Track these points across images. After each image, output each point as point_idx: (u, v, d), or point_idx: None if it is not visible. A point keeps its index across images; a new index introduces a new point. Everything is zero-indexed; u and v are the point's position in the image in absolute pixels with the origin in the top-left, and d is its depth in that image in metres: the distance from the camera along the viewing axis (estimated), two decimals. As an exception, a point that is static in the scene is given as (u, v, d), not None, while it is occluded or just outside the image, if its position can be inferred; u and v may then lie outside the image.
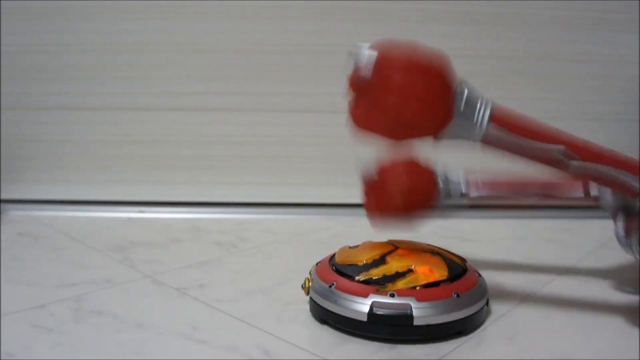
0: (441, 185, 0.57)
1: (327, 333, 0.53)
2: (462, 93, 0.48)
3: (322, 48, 0.94)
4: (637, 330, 0.54)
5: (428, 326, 0.51)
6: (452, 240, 0.82)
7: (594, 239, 0.85)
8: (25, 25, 0.92)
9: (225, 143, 0.97)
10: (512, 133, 0.49)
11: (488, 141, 0.49)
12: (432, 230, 0.89)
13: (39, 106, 0.95)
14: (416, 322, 0.50)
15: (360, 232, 0.89)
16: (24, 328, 0.52)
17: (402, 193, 0.57)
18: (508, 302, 0.60)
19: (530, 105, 0.96)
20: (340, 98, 0.95)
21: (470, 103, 0.48)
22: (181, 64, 0.94)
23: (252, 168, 0.97)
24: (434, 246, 0.60)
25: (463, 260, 0.59)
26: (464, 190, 0.58)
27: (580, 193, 0.58)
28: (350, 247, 0.60)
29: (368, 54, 0.47)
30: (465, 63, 0.94)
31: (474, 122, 0.48)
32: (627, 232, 0.56)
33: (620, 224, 0.56)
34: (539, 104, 0.97)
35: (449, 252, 0.59)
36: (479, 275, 0.57)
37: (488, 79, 0.95)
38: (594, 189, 0.58)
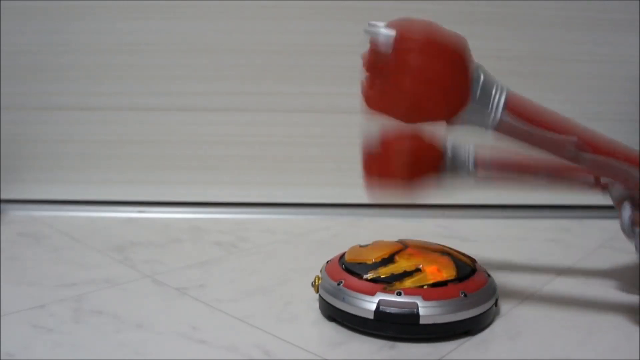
0: (449, 156, 0.55)
1: (327, 333, 0.53)
2: (479, 78, 0.47)
3: (322, 48, 0.94)
4: (637, 330, 0.54)
5: (434, 325, 0.51)
6: (453, 240, 0.82)
7: (594, 239, 0.85)
8: (25, 25, 0.92)
9: (225, 143, 0.97)
10: (526, 122, 0.48)
11: (501, 129, 0.48)
12: (432, 230, 0.89)
13: (39, 106, 0.95)
14: (422, 321, 0.50)
15: (361, 232, 0.90)
16: (24, 328, 0.52)
17: (406, 158, 0.54)
18: (508, 302, 0.60)
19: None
20: (340, 98, 0.95)
21: (486, 89, 0.47)
22: (181, 64, 0.94)
23: (252, 168, 0.97)
24: (444, 246, 0.60)
25: (473, 260, 0.59)
26: (471, 168, 0.56)
27: (590, 179, 0.57)
28: (360, 246, 0.60)
29: (386, 33, 0.45)
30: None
31: (489, 109, 0.47)
32: (633, 221, 0.56)
33: (627, 213, 0.56)
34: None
35: (459, 252, 0.59)
36: (489, 275, 0.57)
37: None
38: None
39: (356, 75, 0.95)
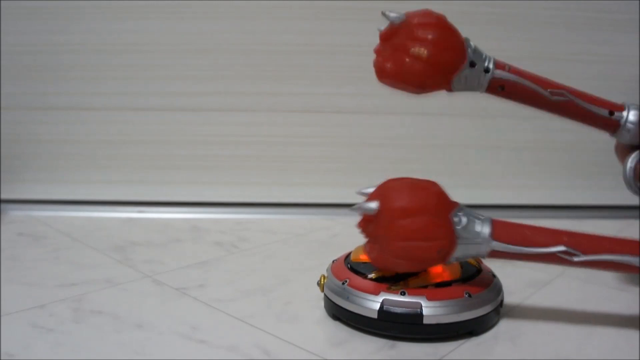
0: (469, 51, 0.54)
1: (326, 333, 0.53)
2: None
3: (322, 48, 0.94)
4: (637, 330, 0.54)
5: (438, 325, 0.51)
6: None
7: (594, 239, 0.85)
8: (25, 25, 0.92)
9: (225, 143, 0.97)
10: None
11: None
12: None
13: (39, 106, 0.95)
14: (426, 321, 0.50)
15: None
16: (24, 328, 0.52)
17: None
18: (508, 303, 0.60)
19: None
20: (340, 98, 0.95)
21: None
22: (181, 64, 0.94)
23: (252, 168, 0.97)
24: None
25: (479, 261, 0.59)
26: (490, 65, 0.56)
27: (605, 112, 0.58)
28: None
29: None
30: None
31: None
32: (637, 174, 0.57)
33: (631, 165, 0.57)
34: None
35: None
36: (494, 276, 0.57)
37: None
38: (618, 113, 0.58)
39: (356, 75, 0.95)
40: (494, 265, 0.59)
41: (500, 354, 0.50)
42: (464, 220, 0.51)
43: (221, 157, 0.97)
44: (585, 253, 0.51)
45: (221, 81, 0.95)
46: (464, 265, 0.56)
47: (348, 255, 0.59)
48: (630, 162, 0.58)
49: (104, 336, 0.51)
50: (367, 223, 0.52)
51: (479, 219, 0.52)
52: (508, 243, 0.51)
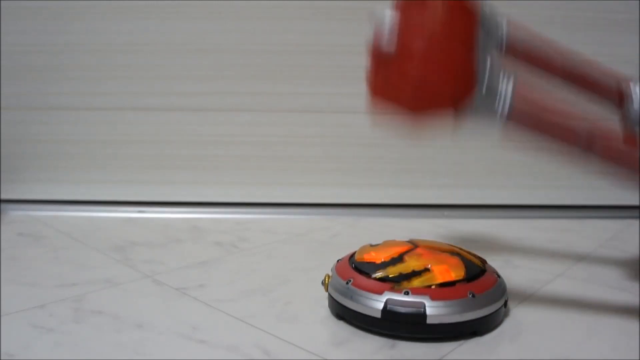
0: (484, 20, 0.47)
1: (326, 333, 0.53)
2: (485, 63, 0.45)
3: (322, 48, 0.94)
4: (637, 330, 0.54)
5: (441, 325, 0.51)
6: (453, 240, 0.82)
7: (594, 239, 0.85)
8: (25, 25, 0.92)
9: (225, 143, 0.97)
10: (536, 111, 0.47)
11: (512, 118, 0.46)
12: (432, 230, 0.89)
13: (39, 106, 0.95)
14: (429, 321, 0.50)
15: (360, 232, 0.90)
16: (24, 328, 0.52)
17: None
18: (508, 303, 0.60)
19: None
20: (340, 98, 0.95)
21: (493, 77, 0.45)
22: (181, 64, 0.94)
23: (252, 168, 0.97)
24: (454, 246, 0.60)
25: (483, 261, 0.59)
26: (505, 30, 0.51)
27: (612, 92, 0.56)
28: (371, 245, 0.61)
29: (389, 17, 0.45)
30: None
31: (497, 98, 0.45)
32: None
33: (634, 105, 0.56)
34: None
35: (469, 252, 0.59)
36: (498, 276, 0.57)
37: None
38: (625, 90, 0.56)
39: (356, 75, 0.95)
40: (497, 265, 0.59)
41: (500, 354, 0.50)
42: (489, 63, 0.44)
43: (221, 157, 0.97)
44: (607, 140, 0.46)
45: (221, 81, 0.95)
46: (468, 265, 0.55)
47: (352, 255, 0.59)
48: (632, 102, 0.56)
49: (104, 336, 0.51)
50: (381, 41, 0.45)
51: (504, 71, 0.45)
52: (530, 107, 0.46)
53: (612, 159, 0.49)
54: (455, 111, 0.45)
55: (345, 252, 0.61)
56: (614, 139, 0.49)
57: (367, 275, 0.54)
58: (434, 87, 0.44)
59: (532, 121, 0.47)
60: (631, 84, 0.56)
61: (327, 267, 0.60)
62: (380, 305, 0.51)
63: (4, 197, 0.96)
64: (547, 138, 0.47)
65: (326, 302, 0.58)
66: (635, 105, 0.56)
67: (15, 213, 0.93)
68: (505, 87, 0.45)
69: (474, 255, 0.59)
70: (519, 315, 0.57)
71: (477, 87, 0.44)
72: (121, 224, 0.89)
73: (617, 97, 0.57)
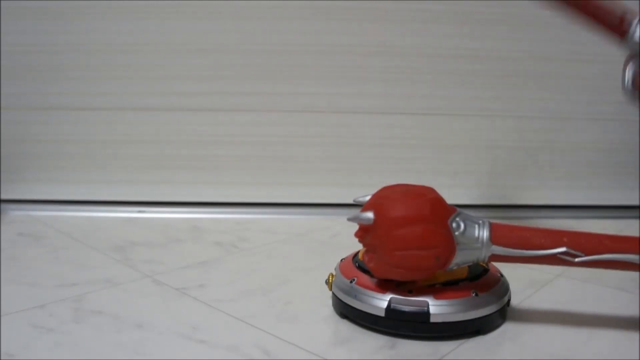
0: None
1: (327, 332, 0.53)
2: (459, 228, 0.51)
3: (322, 48, 0.94)
4: (637, 330, 0.54)
5: (445, 324, 0.51)
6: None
7: (594, 239, 0.85)
8: (25, 25, 0.92)
9: (225, 143, 0.97)
10: (513, 248, 0.51)
11: (493, 258, 0.52)
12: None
13: (39, 106, 0.95)
14: (433, 319, 0.51)
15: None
16: (24, 328, 0.52)
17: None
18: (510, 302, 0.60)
19: (530, 105, 0.97)
20: (340, 98, 0.95)
21: (469, 233, 0.51)
22: (181, 64, 0.94)
23: (252, 168, 0.97)
24: None
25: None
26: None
27: (615, 20, 0.56)
28: None
29: (366, 216, 0.52)
30: (465, 63, 0.95)
31: (477, 247, 0.52)
32: (635, 82, 0.55)
33: (631, 73, 0.55)
34: (539, 104, 0.97)
35: None
36: (501, 275, 0.57)
37: (488, 79, 0.95)
38: (629, 20, 0.55)
39: (356, 75, 0.95)
40: (497, 265, 0.59)
41: (500, 354, 0.50)
42: (462, 225, 0.51)
43: (221, 157, 0.97)
44: (586, 253, 0.51)
45: (221, 81, 0.95)
46: (471, 264, 0.55)
47: (356, 254, 0.60)
48: (629, 70, 0.56)
49: (104, 336, 0.51)
50: (365, 232, 0.53)
51: (477, 223, 0.52)
52: (508, 246, 0.51)
53: (597, 264, 0.52)
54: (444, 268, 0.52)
55: (345, 252, 0.61)
56: (591, 245, 0.52)
57: (371, 274, 0.54)
58: (419, 264, 0.51)
59: (513, 258, 0.52)
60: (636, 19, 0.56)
61: (327, 267, 0.60)
62: (384, 304, 0.51)
63: (4, 197, 0.96)
64: (531, 262, 0.53)
65: (326, 302, 0.58)
66: (636, 38, 0.55)
67: (15, 213, 0.93)
68: (483, 236, 0.52)
69: None
70: (519, 315, 0.57)
71: (455, 250, 0.51)
72: (121, 224, 0.89)
73: (620, 25, 0.56)
